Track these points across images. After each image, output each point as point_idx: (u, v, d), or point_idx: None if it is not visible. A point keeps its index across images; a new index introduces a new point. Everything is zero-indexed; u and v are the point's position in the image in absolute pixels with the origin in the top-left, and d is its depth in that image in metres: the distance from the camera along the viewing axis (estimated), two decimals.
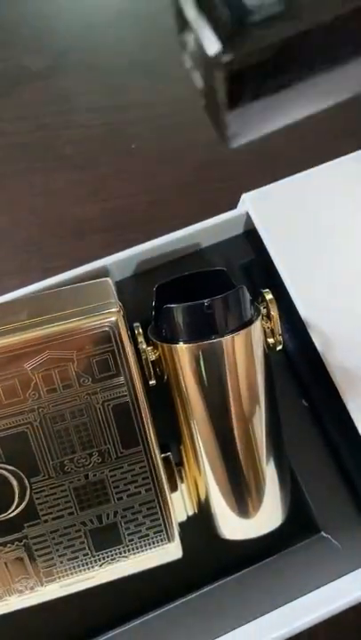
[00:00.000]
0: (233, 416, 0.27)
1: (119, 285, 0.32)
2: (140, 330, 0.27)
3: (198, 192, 0.43)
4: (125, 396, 0.25)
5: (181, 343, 0.26)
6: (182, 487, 0.29)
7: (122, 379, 0.25)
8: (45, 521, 0.26)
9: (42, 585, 0.27)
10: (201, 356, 0.26)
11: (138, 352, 0.27)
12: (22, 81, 0.45)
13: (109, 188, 0.43)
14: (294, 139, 0.43)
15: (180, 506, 0.29)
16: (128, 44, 0.46)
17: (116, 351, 0.25)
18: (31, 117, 0.44)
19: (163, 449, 0.27)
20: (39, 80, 0.45)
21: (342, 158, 0.32)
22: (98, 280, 0.29)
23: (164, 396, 0.28)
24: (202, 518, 0.29)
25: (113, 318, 0.25)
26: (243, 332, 0.26)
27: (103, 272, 0.31)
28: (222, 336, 0.25)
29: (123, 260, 0.31)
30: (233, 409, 0.26)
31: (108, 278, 0.29)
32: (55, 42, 0.46)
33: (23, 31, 0.46)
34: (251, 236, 0.31)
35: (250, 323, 0.26)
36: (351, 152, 0.32)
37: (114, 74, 0.46)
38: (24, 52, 0.45)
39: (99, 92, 0.45)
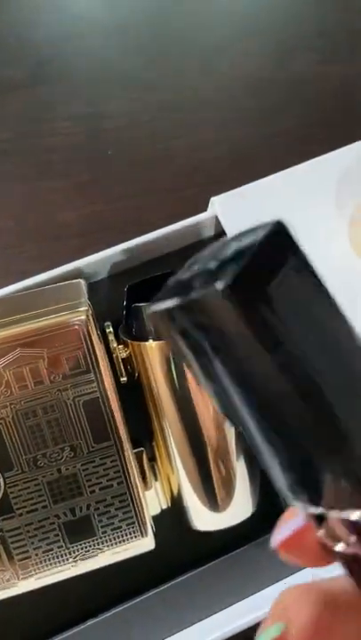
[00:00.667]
0: (202, 411, 0.27)
1: (94, 287, 0.33)
2: (111, 329, 0.28)
3: (177, 197, 0.43)
4: (95, 392, 0.26)
5: (150, 341, 0.27)
6: (155, 481, 0.30)
7: (92, 375, 0.26)
8: (20, 514, 0.27)
9: (18, 577, 0.27)
10: (169, 353, 0.27)
11: (109, 350, 0.28)
12: (4, 90, 0.46)
13: (90, 195, 0.44)
14: (278, 143, 0.44)
15: (154, 499, 0.29)
16: (108, 53, 0.47)
17: (86, 349, 0.26)
18: (13, 126, 0.45)
19: (136, 445, 0.28)
20: (21, 89, 0.46)
21: (309, 162, 0.33)
22: (70, 281, 0.30)
23: (138, 394, 0.29)
24: (175, 511, 0.30)
25: (82, 317, 0.26)
26: None
27: (78, 274, 0.32)
28: None
29: (97, 261, 0.32)
30: (202, 404, 0.27)
31: (80, 279, 0.30)
32: (37, 51, 0.47)
33: (5, 41, 0.47)
34: (221, 237, 0.32)
35: None
36: (318, 155, 0.33)
37: (95, 83, 0.47)
38: (6, 62, 0.46)
39: (80, 101, 0.46)
